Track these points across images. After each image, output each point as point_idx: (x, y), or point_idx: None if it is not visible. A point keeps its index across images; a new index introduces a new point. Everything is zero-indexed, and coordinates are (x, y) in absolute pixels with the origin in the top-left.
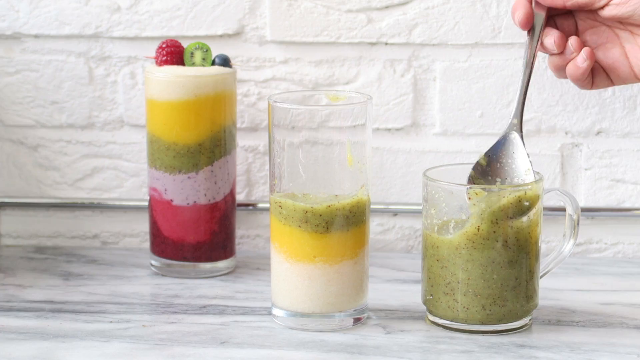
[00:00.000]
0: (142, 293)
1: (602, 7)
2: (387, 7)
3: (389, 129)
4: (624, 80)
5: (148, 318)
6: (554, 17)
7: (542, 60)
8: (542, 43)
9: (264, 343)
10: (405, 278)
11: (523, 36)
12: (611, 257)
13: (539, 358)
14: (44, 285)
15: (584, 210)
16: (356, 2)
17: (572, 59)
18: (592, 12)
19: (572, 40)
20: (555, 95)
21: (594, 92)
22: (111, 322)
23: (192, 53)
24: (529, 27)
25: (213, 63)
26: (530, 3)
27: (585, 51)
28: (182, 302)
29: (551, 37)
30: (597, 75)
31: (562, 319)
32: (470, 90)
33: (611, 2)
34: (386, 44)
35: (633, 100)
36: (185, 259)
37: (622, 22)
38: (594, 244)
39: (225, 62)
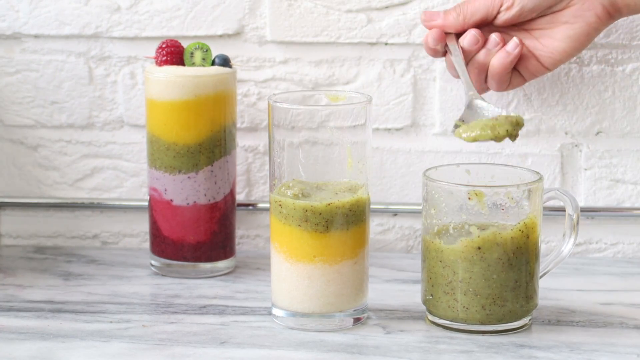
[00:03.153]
0: (142, 293)
1: (495, 17)
2: (387, 7)
3: (389, 129)
4: (534, 74)
5: (148, 318)
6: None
7: None
8: (462, 47)
9: (264, 343)
10: (405, 278)
11: None
12: (611, 257)
13: (538, 358)
14: (43, 285)
15: (583, 210)
16: (356, 2)
17: (498, 50)
18: (488, 25)
19: (495, 35)
20: (555, 95)
21: (594, 92)
22: (111, 322)
23: (192, 53)
24: (443, 42)
25: (213, 63)
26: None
27: (514, 39)
28: (182, 302)
29: (469, 34)
30: (512, 75)
31: (562, 319)
32: None
33: (500, 10)
34: (386, 44)
35: (633, 100)
36: (185, 259)
37: (516, 25)
38: (593, 244)
39: (225, 62)
